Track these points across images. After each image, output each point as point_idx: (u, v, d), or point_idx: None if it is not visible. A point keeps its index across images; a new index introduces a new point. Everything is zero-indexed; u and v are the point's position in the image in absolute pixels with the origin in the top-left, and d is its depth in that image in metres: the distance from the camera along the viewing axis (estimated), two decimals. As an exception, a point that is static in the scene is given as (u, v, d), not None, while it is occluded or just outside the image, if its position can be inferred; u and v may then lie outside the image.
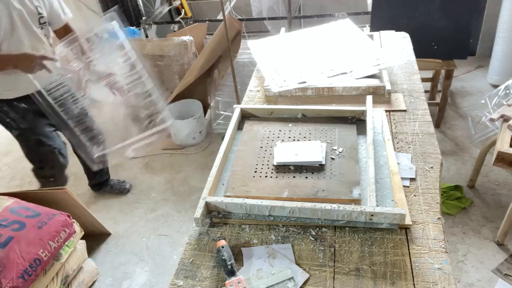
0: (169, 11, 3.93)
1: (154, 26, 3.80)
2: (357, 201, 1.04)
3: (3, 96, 1.88)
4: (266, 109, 1.43)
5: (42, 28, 1.85)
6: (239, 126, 1.41)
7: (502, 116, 2.02)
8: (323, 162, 1.17)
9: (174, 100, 3.06)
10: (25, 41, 1.77)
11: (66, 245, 1.85)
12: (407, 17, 2.56)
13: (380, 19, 2.59)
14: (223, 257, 0.94)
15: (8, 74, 1.77)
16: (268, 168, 1.19)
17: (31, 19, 1.78)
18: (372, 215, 0.98)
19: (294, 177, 1.14)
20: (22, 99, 1.90)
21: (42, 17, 1.84)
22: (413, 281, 0.88)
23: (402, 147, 1.27)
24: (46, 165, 2.15)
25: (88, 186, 2.71)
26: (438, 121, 2.85)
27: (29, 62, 1.64)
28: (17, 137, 2.01)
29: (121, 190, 2.69)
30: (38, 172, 2.22)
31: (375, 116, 1.36)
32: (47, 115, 1.89)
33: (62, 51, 1.78)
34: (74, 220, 1.93)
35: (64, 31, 1.97)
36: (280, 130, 1.35)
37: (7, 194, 1.97)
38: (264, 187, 1.12)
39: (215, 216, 1.07)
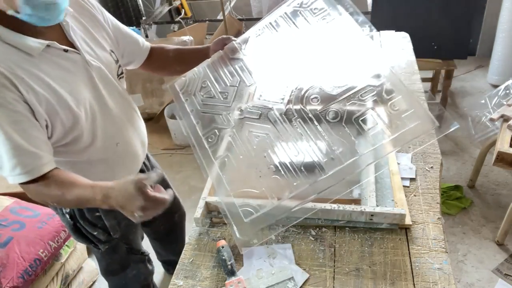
0: (169, 11, 3.93)
1: (154, 26, 3.80)
2: (357, 201, 1.04)
3: None
4: (266, 109, 1.43)
5: (120, 80, 1.22)
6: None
7: (502, 116, 2.02)
8: (323, 162, 1.17)
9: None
10: (112, 109, 1.14)
11: (66, 245, 1.85)
12: (407, 17, 2.55)
13: (380, 19, 2.59)
14: (223, 257, 0.94)
15: (105, 168, 1.18)
16: (268, 168, 1.19)
17: (112, 74, 1.15)
18: (372, 215, 0.98)
19: (294, 177, 1.14)
20: None
21: (120, 65, 1.21)
22: (413, 281, 0.88)
23: (402, 147, 1.27)
24: (133, 275, 1.54)
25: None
26: (438, 121, 2.85)
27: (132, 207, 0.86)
28: (105, 251, 1.36)
29: None
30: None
31: (375, 116, 1.36)
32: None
33: None
34: (74, 220, 1.93)
35: (158, 57, 1.33)
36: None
37: (7, 194, 1.97)
38: (264, 187, 1.12)
39: (215, 216, 1.07)
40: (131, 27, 3.65)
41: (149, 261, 1.61)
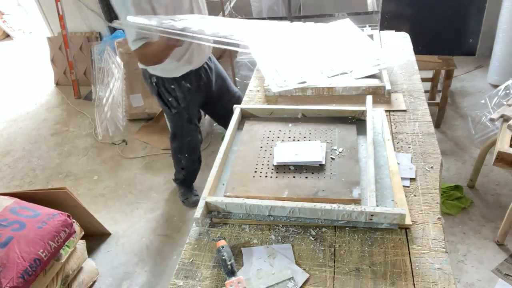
0: (169, 11, 3.92)
1: (154, 26, 3.79)
2: (357, 201, 1.04)
3: (173, 74, 1.89)
4: (266, 109, 1.43)
5: None
6: (239, 126, 1.41)
7: (502, 116, 2.02)
8: (323, 162, 1.17)
9: (174, 100, 3.08)
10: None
11: (66, 245, 1.85)
12: (407, 17, 2.56)
13: (381, 19, 2.59)
14: (223, 257, 0.94)
15: (184, 50, 1.80)
16: (268, 168, 1.19)
17: None
18: (372, 215, 0.98)
19: (294, 177, 1.14)
20: (187, 78, 1.93)
21: None
22: (413, 281, 0.88)
23: (402, 147, 1.27)
24: (188, 141, 2.20)
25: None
26: (438, 121, 2.85)
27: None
28: (173, 115, 2.05)
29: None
30: (178, 150, 2.28)
31: (375, 116, 1.36)
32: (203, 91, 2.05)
33: None
34: (74, 220, 1.93)
35: None
36: (280, 130, 1.35)
37: (7, 194, 1.97)
38: (264, 187, 1.12)
39: (215, 216, 1.07)
40: (131, 27, 3.64)
41: (200, 132, 2.26)
